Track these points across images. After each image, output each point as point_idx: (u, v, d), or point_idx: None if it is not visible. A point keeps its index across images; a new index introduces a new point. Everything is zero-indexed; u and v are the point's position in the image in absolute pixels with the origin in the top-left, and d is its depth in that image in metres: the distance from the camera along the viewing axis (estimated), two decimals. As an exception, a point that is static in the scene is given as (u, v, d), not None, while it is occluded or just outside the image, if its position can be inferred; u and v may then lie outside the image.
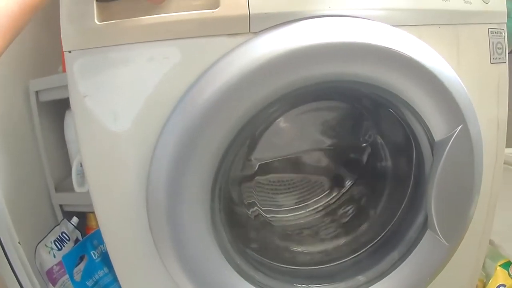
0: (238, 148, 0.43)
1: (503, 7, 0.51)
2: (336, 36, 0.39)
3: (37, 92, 0.66)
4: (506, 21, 0.51)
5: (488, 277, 0.66)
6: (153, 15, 0.40)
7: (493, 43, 0.50)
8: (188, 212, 0.41)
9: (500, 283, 0.62)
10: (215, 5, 0.39)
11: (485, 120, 0.49)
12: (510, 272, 0.63)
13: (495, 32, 0.50)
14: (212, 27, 0.39)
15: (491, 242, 0.64)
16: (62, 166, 0.69)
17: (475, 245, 0.55)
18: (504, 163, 0.63)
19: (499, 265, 0.63)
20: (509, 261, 0.63)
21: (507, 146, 0.70)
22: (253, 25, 0.39)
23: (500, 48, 0.50)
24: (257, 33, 0.39)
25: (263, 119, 0.47)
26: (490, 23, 0.49)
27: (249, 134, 0.46)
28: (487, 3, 0.49)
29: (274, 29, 0.39)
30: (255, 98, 0.38)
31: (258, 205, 0.54)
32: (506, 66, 0.51)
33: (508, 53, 0.72)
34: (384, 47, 0.39)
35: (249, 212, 0.53)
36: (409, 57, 0.40)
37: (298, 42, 0.38)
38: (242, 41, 0.39)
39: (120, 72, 0.40)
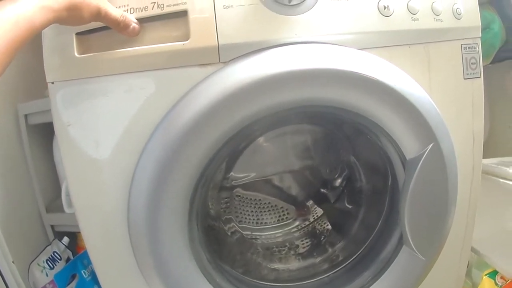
0: (213, 171, 0.45)
1: (476, 21, 0.51)
2: (303, 63, 0.40)
3: (26, 116, 0.68)
4: (480, 35, 0.51)
5: (474, 286, 0.66)
6: (129, 47, 0.42)
7: (466, 58, 0.50)
8: (167, 232, 0.43)
9: (487, 292, 0.63)
10: (186, 37, 0.41)
11: (460, 135, 0.50)
12: (497, 281, 0.63)
13: (469, 48, 0.50)
14: (184, 59, 0.41)
15: (476, 252, 0.64)
16: (52, 187, 0.72)
17: (455, 257, 0.56)
18: (487, 173, 0.64)
19: (485, 275, 0.63)
20: (495, 270, 0.63)
21: (489, 156, 0.70)
22: (223, 55, 0.41)
23: (474, 63, 0.51)
24: (227, 62, 0.41)
25: (238, 143, 0.48)
26: (463, 38, 0.50)
27: (224, 158, 0.48)
28: (459, 19, 0.49)
29: (243, 59, 0.41)
30: (226, 125, 0.40)
31: (235, 222, 0.56)
32: (480, 81, 0.51)
33: (489, 64, 0.73)
34: (348, 71, 0.40)
35: (226, 228, 0.54)
36: (373, 79, 0.41)
37: (266, 70, 0.40)
38: (212, 71, 0.41)
39: (100, 103, 0.43)
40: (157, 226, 0.42)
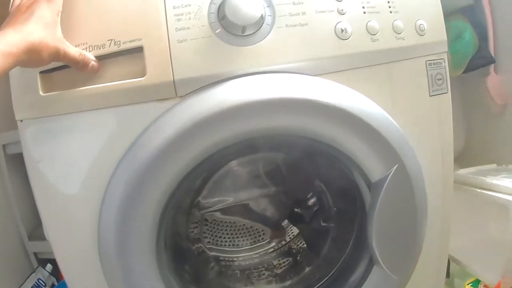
0: (179, 200, 0.46)
1: (442, 36, 0.50)
2: (257, 94, 0.41)
3: (4, 146, 0.69)
4: (446, 50, 0.51)
5: (457, 296, 0.66)
6: (90, 85, 0.42)
7: (431, 75, 0.50)
8: (136, 263, 0.43)
9: (470, 302, 0.63)
10: (143, 73, 0.41)
11: (428, 152, 0.50)
12: (479, 290, 0.63)
13: (434, 64, 0.50)
14: (141, 95, 0.42)
15: (458, 262, 0.64)
16: (33, 215, 0.73)
17: (432, 271, 0.55)
18: (464, 184, 0.63)
19: (468, 284, 0.63)
20: (478, 280, 0.63)
21: (466, 165, 0.70)
22: (179, 89, 0.41)
23: (441, 79, 0.50)
24: (183, 96, 0.42)
25: (201, 173, 0.49)
26: (427, 55, 0.49)
27: (189, 187, 0.48)
28: (422, 35, 0.49)
29: (200, 92, 0.41)
30: (185, 159, 0.41)
31: (205, 245, 0.56)
32: (448, 96, 0.51)
33: (462, 73, 0.72)
34: (302, 98, 0.41)
35: (195, 250, 0.55)
36: (328, 104, 0.41)
37: (222, 103, 0.40)
38: (170, 106, 0.41)
39: (65, 140, 0.43)
40: (126, 257, 0.43)
